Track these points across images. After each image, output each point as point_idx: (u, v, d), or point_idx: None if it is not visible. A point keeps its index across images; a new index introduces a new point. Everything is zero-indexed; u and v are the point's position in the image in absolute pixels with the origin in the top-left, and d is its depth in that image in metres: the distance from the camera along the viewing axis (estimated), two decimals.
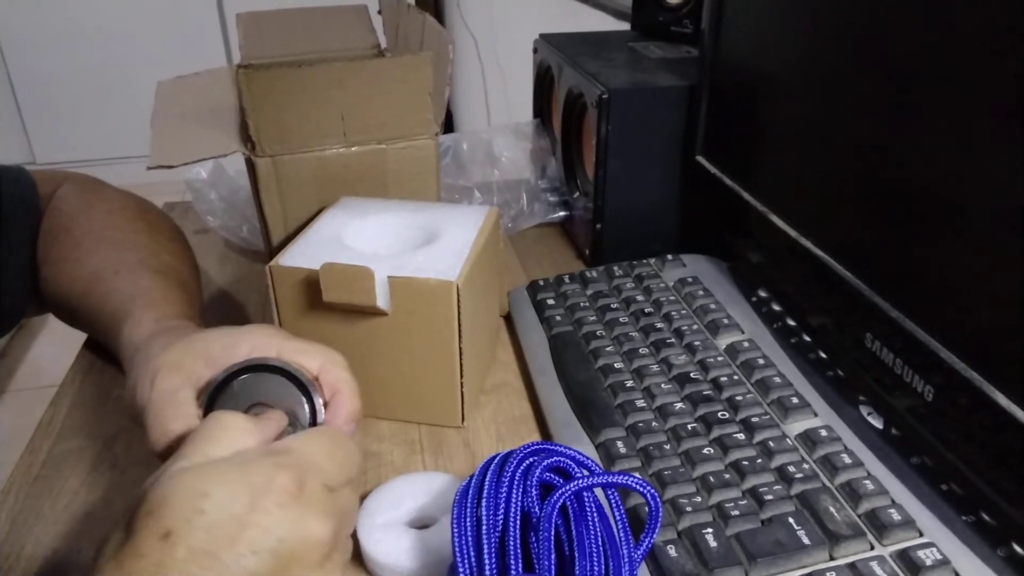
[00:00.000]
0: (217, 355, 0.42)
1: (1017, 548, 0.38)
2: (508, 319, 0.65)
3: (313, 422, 0.41)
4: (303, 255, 0.51)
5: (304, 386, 0.41)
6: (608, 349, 0.56)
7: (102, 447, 0.52)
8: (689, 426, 0.47)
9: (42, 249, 0.59)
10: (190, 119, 0.64)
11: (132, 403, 0.43)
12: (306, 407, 0.41)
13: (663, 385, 0.51)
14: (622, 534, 0.36)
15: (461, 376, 0.51)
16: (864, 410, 0.49)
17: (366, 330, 0.50)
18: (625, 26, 0.94)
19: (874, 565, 0.38)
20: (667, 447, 0.46)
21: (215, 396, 0.40)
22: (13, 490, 0.48)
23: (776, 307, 0.59)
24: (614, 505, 0.38)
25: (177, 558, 0.29)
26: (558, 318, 0.60)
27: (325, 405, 0.41)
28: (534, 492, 0.37)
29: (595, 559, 0.34)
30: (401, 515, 0.43)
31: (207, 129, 0.61)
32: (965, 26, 0.39)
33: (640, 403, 0.50)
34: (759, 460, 0.44)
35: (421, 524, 0.43)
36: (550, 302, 0.63)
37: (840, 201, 0.51)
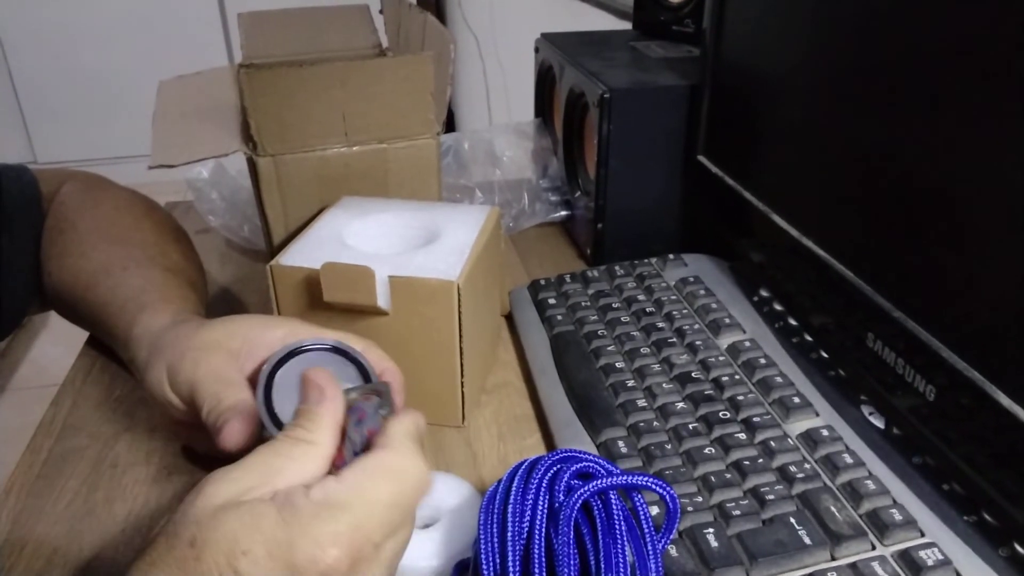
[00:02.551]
0: (255, 335, 0.42)
1: (1019, 548, 0.38)
2: (509, 319, 0.65)
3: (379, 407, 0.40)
4: (304, 255, 0.51)
5: (367, 372, 0.41)
6: (609, 349, 0.56)
7: (103, 446, 0.52)
8: (690, 426, 0.47)
9: (46, 244, 0.59)
10: (191, 118, 0.64)
11: (165, 385, 0.43)
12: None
13: (664, 385, 0.51)
14: (650, 545, 0.36)
15: (462, 376, 0.51)
16: (866, 410, 0.49)
17: (367, 330, 0.50)
18: (626, 25, 0.94)
19: (875, 565, 0.38)
20: (668, 447, 0.46)
21: (274, 372, 0.41)
22: (15, 489, 0.48)
23: (778, 307, 0.59)
24: (642, 514, 0.37)
25: None
26: (559, 317, 0.60)
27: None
28: (560, 499, 0.36)
29: (621, 566, 0.34)
30: None
31: (208, 128, 0.61)
32: (968, 25, 0.39)
33: (641, 403, 0.50)
34: (760, 460, 0.44)
35: (423, 523, 0.43)
36: (551, 301, 0.63)
37: (842, 201, 0.51)
